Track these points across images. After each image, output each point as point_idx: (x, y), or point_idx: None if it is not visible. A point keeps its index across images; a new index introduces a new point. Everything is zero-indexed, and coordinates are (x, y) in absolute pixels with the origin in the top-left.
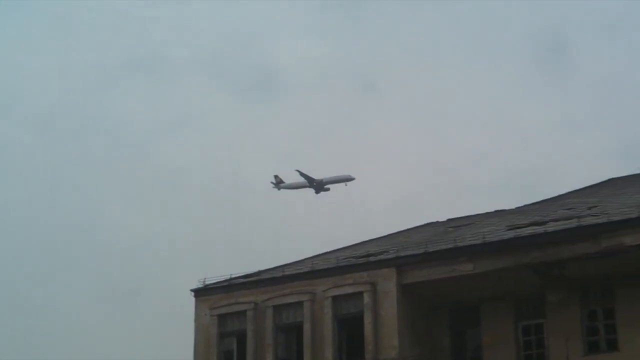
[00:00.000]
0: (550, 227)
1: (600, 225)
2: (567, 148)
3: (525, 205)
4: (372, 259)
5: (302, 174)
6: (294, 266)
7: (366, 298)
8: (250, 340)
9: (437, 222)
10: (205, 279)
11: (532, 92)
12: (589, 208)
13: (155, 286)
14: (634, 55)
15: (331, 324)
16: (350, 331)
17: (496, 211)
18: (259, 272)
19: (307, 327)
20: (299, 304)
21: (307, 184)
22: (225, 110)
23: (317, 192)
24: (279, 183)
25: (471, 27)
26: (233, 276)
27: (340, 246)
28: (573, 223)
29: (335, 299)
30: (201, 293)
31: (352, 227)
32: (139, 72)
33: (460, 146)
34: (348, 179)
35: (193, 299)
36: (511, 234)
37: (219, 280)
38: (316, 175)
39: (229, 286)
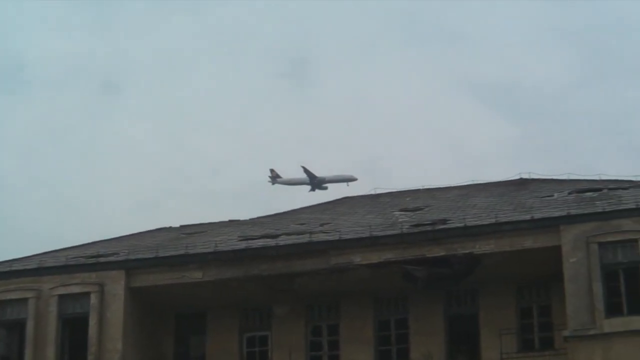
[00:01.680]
0: (282, 241)
1: (331, 242)
2: (304, 163)
3: (259, 217)
4: (101, 260)
5: (305, 170)
6: (21, 262)
7: (93, 299)
8: None
9: (170, 227)
10: None
11: (277, 105)
12: (322, 225)
13: None
14: (377, 77)
15: (55, 323)
16: (75, 331)
17: (230, 221)
18: None
19: (30, 325)
20: (24, 300)
21: (306, 181)
22: None
23: (312, 189)
24: (274, 177)
25: (221, 36)
26: None
27: (70, 245)
28: (304, 238)
29: (61, 297)
30: None
31: (86, 227)
32: None
33: (201, 153)
34: (350, 179)
35: None
36: (243, 245)
37: None
38: (319, 173)
39: None
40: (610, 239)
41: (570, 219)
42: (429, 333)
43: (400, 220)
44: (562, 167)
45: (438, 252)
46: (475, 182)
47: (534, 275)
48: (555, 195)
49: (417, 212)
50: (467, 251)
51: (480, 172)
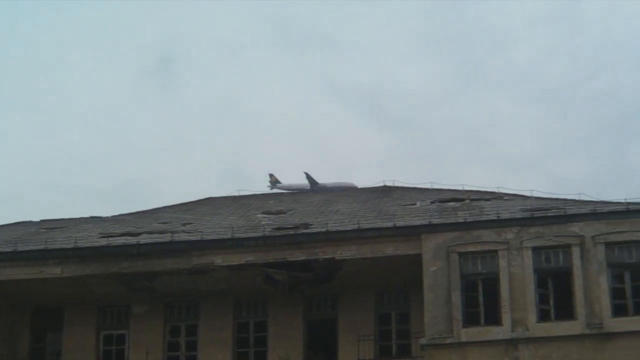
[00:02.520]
0: (143, 239)
1: (193, 242)
2: (171, 163)
3: (121, 215)
4: None
5: (307, 177)
6: None
7: None
8: None
9: (31, 221)
10: None
11: (146, 103)
12: (184, 224)
13: None
14: (247, 80)
15: None
16: None
17: (92, 217)
18: None
19: None
20: None
21: (307, 187)
22: None
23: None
24: (274, 182)
25: (94, 29)
26: None
27: None
28: (166, 237)
29: None
30: None
31: None
32: None
33: (71, 148)
34: (351, 186)
35: None
36: (103, 242)
37: None
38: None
39: None
40: (470, 249)
41: (432, 228)
42: (287, 336)
43: (262, 223)
44: (426, 177)
45: (299, 256)
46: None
47: (394, 282)
48: (418, 204)
49: (280, 215)
50: (328, 256)
51: (345, 178)
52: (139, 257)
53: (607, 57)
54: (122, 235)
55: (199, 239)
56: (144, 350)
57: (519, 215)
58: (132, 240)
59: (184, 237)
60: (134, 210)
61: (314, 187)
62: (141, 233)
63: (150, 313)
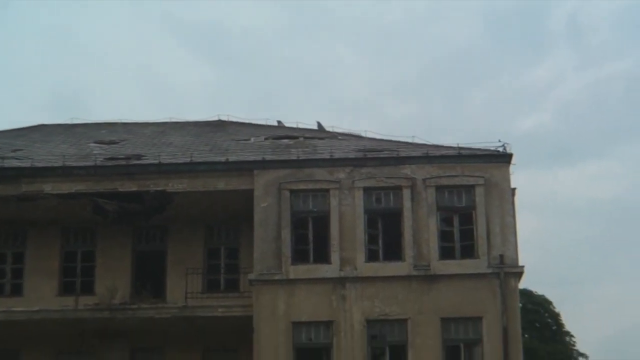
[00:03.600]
0: None
1: (22, 169)
2: (1, 89)
3: None
4: None
5: (319, 125)
6: None
7: None
8: None
9: None
10: None
11: None
12: (14, 150)
13: None
14: (83, 10)
15: None
16: None
17: None
18: None
19: None
20: None
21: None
22: None
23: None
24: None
25: None
26: None
27: None
28: None
29: None
30: None
31: None
32: None
33: None
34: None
35: None
36: None
37: None
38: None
39: None
40: (302, 187)
41: (265, 164)
42: (115, 267)
43: (94, 152)
44: (262, 115)
45: (130, 187)
46: (173, 120)
47: (224, 217)
48: (252, 139)
49: (113, 145)
50: (159, 188)
51: (179, 112)
52: None
53: (442, 5)
54: None
55: (29, 165)
56: None
57: (351, 155)
58: None
59: (13, 163)
60: None
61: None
62: None
63: None
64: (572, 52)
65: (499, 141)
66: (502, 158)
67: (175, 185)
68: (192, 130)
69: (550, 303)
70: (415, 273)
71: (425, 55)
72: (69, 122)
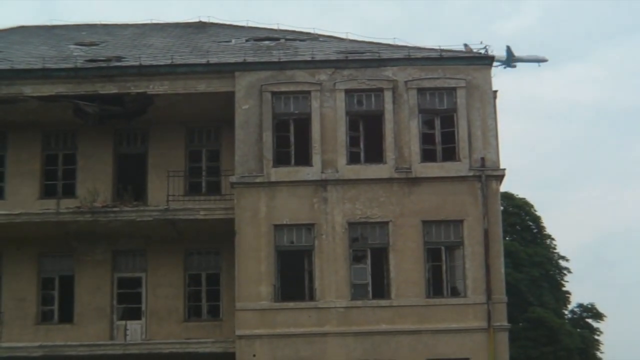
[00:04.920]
0: None
1: (2, 71)
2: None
3: None
4: None
5: (508, 49)
6: None
7: None
8: None
9: None
10: None
11: None
12: None
13: None
14: None
15: None
16: None
17: None
18: None
19: None
20: None
21: (502, 59)
22: None
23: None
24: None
25: None
26: None
27: None
28: None
29: None
30: None
31: None
32: None
33: None
34: (542, 59)
35: None
36: None
37: None
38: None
39: None
40: (283, 89)
41: (246, 66)
42: (96, 170)
43: (75, 54)
44: (242, 15)
45: (111, 89)
46: (154, 22)
47: (206, 119)
48: (233, 41)
49: (93, 47)
50: (140, 90)
51: (159, 12)
52: None
53: None
54: None
55: (8, 67)
56: None
57: (333, 57)
58: None
59: None
60: None
61: (510, 58)
62: None
63: None
64: None
65: (481, 43)
66: (484, 60)
67: (156, 87)
68: (173, 32)
69: (531, 206)
70: (396, 175)
71: None
72: (48, 23)
